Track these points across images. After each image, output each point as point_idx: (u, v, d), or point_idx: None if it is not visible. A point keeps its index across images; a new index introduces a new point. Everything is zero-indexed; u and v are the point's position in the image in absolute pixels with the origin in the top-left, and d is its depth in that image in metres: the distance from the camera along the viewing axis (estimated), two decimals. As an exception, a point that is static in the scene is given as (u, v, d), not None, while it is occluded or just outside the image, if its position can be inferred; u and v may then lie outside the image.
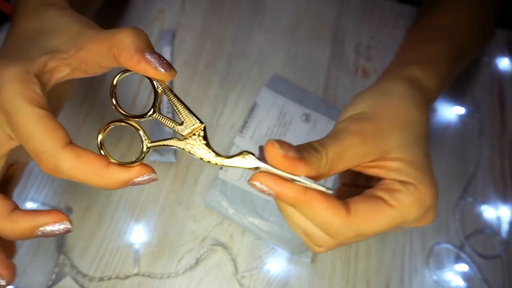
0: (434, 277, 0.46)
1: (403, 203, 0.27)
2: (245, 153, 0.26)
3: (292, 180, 0.25)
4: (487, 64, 0.60)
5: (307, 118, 0.52)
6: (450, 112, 0.56)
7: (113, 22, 0.57)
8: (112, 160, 0.26)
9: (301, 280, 0.45)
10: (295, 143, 0.54)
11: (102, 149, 0.27)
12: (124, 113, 0.27)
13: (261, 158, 0.26)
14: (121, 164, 0.26)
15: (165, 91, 0.26)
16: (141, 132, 0.27)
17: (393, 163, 0.29)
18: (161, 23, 0.57)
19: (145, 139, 0.27)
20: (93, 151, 0.26)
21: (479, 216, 0.50)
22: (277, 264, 0.45)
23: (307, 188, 0.25)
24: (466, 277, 0.47)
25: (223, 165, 0.26)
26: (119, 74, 0.27)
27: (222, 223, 0.47)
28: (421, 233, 0.49)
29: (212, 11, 0.59)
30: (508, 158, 0.54)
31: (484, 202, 0.51)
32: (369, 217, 0.26)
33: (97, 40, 0.27)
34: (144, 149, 0.27)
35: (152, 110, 0.27)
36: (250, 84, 0.55)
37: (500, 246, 0.49)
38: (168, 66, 0.26)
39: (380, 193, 0.28)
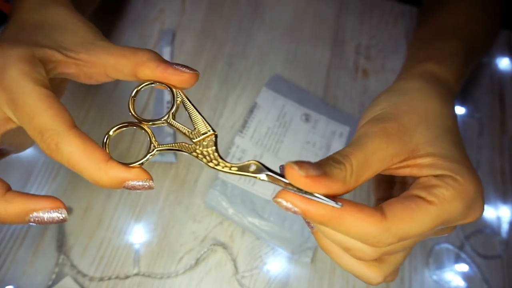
0: (434, 277, 0.46)
1: (443, 197, 0.25)
2: (252, 161, 0.25)
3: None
4: (487, 64, 0.60)
5: (307, 118, 0.52)
6: (450, 112, 0.56)
7: (113, 22, 0.57)
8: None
9: (301, 280, 0.45)
10: (295, 143, 0.54)
11: (105, 145, 0.27)
12: (138, 117, 0.28)
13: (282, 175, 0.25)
14: (121, 163, 0.26)
15: (183, 100, 0.28)
16: (151, 136, 0.28)
17: (425, 159, 0.27)
18: (161, 23, 0.57)
19: (154, 142, 0.28)
20: (98, 143, 0.26)
21: (479, 216, 0.50)
22: (277, 264, 0.45)
23: None
24: (466, 277, 0.47)
25: (229, 173, 0.26)
26: (145, 84, 0.28)
27: (222, 223, 0.47)
28: (421, 233, 0.49)
29: (212, 11, 0.59)
30: (508, 158, 0.54)
31: (484, 202, 0.51)
32: (408, 217, 0.24)
33: (117, 54, 0.28)
34: (152, 152, 0.27)
35: (167, 116, 0.28)
36: (250, 84, 0.55)
37: (500, 246, 0.49)
38: (191, 68, 0.28)
39: (417, 192, 0.26)
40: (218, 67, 0.55)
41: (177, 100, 0.28)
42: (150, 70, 0.27)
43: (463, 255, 0.47)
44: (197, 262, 0.44)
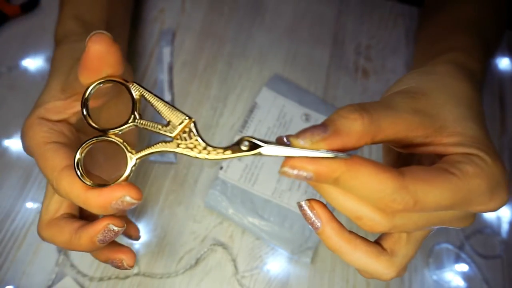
0: (434, 277, 0.46)
1: (466, 172, 0.23)
2: (245, 138, 0.23)
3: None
4: (487, 64, 0.59)
5: (307, 118, 0.52)
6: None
7: (113, 22, 0.57)
8: (88, 183, 0.25)
9: (301, 280, 0.45)
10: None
11: (78, 170, 0.25)
12: (98, 127, 0.25)
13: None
14: (101, 186, 0.25)
15: (142, 93, 0.25)
16: (124, 146, 0.25)
17: (452, 138, 0.25)
18: (161, 23, 0.57)
19: (130, 152, 0.25)
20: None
21: (479, 216, 0.50)
22: (277, 264, 0.45)
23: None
24: (466, 277, 0.47)
25: (223, 159, 0.24)
26: (94, 85, 0.25)
27: (222, 223, 0.47)
28: (421, 233, 0.48)
29: (212, 11, 0.59)
30: (508, 158, 0.54)
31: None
32: (427, 180, 0.22)
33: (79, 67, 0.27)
34: (132, 163, 0.25)
35: (132, 117, 0.25)
36: (250, 84, 0.55)
37: (500, 246, 0.49)
38: (98, 36, 0.26)
39: (439, 165, 0.24)
40: (218, 67, 0.55)
41: (135, 95, 0.25)
42: (85, 73, 0.26)
43: (463, 255, 0.47)
44: (197, 262, 0.44)
